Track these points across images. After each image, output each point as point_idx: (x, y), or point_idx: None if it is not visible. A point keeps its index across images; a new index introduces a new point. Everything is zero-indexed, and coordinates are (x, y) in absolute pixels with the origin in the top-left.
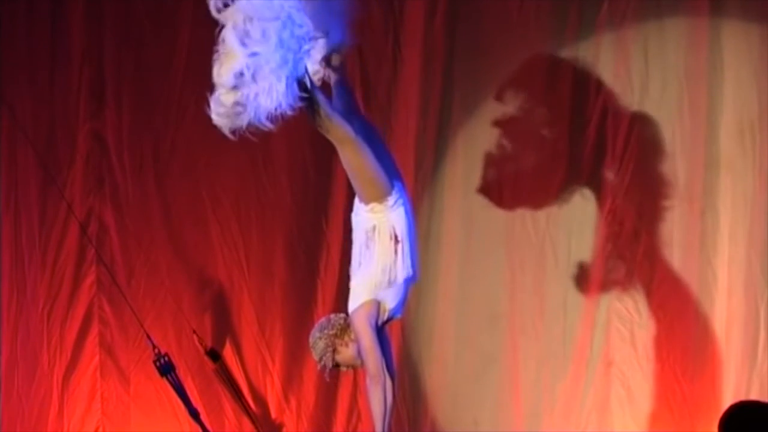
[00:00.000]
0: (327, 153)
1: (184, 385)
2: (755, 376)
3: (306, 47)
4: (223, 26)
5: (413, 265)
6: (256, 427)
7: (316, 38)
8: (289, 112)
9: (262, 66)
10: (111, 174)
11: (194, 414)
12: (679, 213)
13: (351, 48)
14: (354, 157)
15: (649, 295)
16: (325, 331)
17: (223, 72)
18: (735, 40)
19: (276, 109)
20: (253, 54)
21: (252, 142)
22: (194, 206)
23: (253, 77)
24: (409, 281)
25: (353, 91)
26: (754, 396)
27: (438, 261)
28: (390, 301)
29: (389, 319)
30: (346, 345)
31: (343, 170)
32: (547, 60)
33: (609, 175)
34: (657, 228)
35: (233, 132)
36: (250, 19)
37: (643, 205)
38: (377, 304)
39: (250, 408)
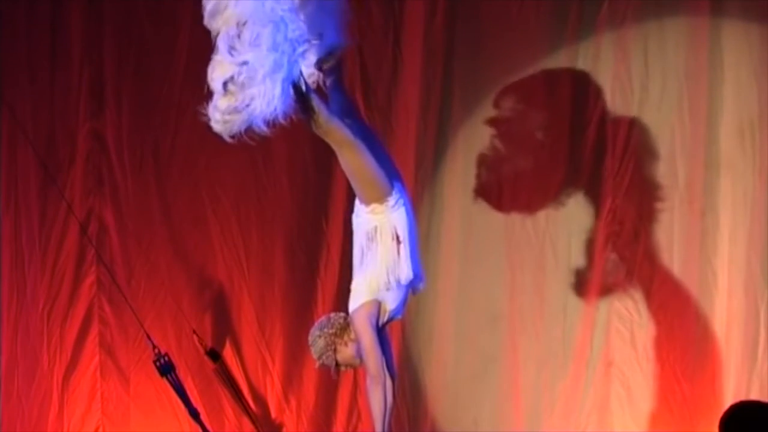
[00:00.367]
0: (327, 153)
1: (184, 385)
2: (755, 376)
3: (300, 50)
4: (216, 35)
5: (415, 267)
6: (256, 427)
7: (310, 41)
8: (287, 116)
9: (256, 70)
10: (111, 174)
11: (194, 414)
12: (679, 213)
13: (347, 49)
14: (353, 159)
15: (649, 295)
16: (325, 330)
17: (215, 78)
18: (735, 40)
19: (272, 112)
20: (244, 63)
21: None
22: (194, 206)
23: (247, 82)
24: (412, 283)
25: (349, 93)
26: (754, 396)
27: (438, 261)
28: (391, 302)
29: (389, 320)
30: (346, 344)
31: (343, 170)
32: (548, 60)
33: (609, 175)
34: (657, 228)
35: (232, 137)
36: (243, 24)
37: (643, 205)
38: (378, 305)
39: (250, 408)
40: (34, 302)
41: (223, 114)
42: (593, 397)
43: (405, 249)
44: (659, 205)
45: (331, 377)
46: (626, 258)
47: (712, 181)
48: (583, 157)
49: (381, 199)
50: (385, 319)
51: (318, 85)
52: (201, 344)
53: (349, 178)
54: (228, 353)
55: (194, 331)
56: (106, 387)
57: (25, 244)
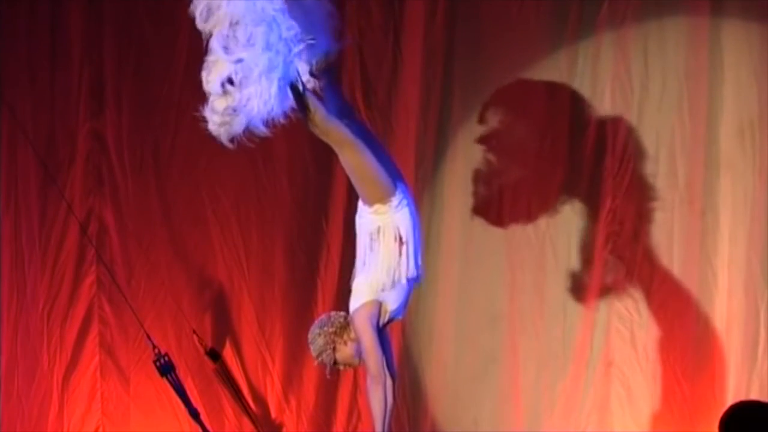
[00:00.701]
0: (327, 153)
1: (184, 385)
2: (755, 376)
3: (296, 50)
4: (209, 37)
5: (417, 266)
6: (256, 427)
7: (305, 41)
8: (284, 117)
9: (251, 69)
10: (111, 174)
11: (194, 414)
12: (679, 213)
13: (336, 51)
14: (354, 159)
15: (649, 295)
16: (325, 329)
17: (211, 79)
18: (735, 40)
19: (270, 113)
20: (239, 60)
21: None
22: (194, 206)
23: (243, 82)
24: (413, 282)
25: (349, 93)
26: (754, 396)
27: (438, 261)
28: (392, 302)
29: (390, 321)
30: (345, 344)
31: (344, 170)
32: (548, 60)
33: (609, 175)
34: (657, 228)
35: (231, 140)
36: (236, 24)
37: (643, 205)
38: (379, 305)
39: (250, 408)
40: (34, 302)
41: (221, 115)
42: (593, 397)
43: (408, 250)
44: (659, 205)
45: (327, 376)
46: (626, 258)
47: (712, 181)
48: (583, 157)
49: (384, 199)
50: (386, 319)
51: (313, 86)
52: (201, 344)
53: (351, 179)
54: (228, 353)
55: (194, 331)
56: (106, 387)
57: (25, 244)
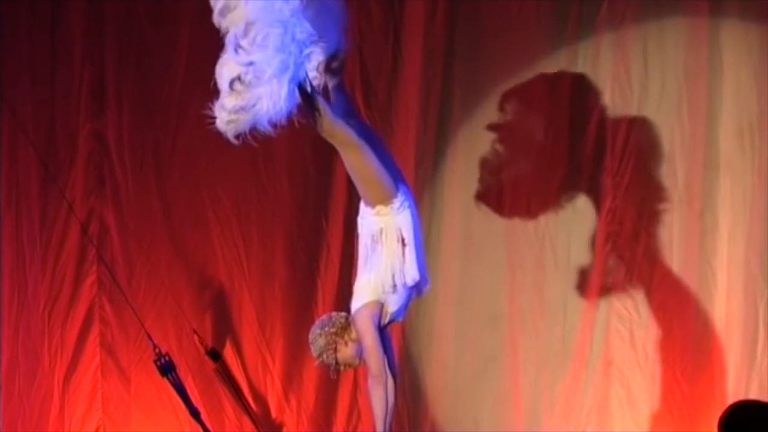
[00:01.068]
0: (327, 153)
1: (185, 384)
2: (755, 375)
3: (306, 51)
4: (225, 33)
5: (420, 269)
6: (257, 427)
7: (316, 42)
8: (292, 117)
9: (263, 70)
10: (112, 174)
11: (195, 413)
12: (678, 213)
13: (348, 51)
14: (357, 160)
15: (649, 295)
16: (326, 329)
17: (222, 76)
18: (734, 40)
19: (278, 113)
20: (250, 63)
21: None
22: (195, 206)
23: (254, 81)
24: (416, 286)
25: (351, 96)
26: (753, 395)
27: (438, 261)
28: (393, 304)
29: (390, 322)
30: (346, 344)
31: (344, 170)
32: (547, 60)
33: (608, 174)
34: (656, 228)
35: (237, 137)
36: (252, 24)
37: (643, 205)
38: (380, 306)
39: (251, 407)
40: (35, 302)
41: (229, 113)
42: (593, 397)
43: (410, 251)
44: (659, 205)
45: (331, 377)
46: (626, 258)
47: (712, 181)
48: (583, 157)
49: (386, 201)
50: (387, 320)
51: (321, 88)
52: (201, 344)
53: (354, 180)
54: (228, 353)
55: (195, 331)
56: (106, 386)
57: (26, 244)
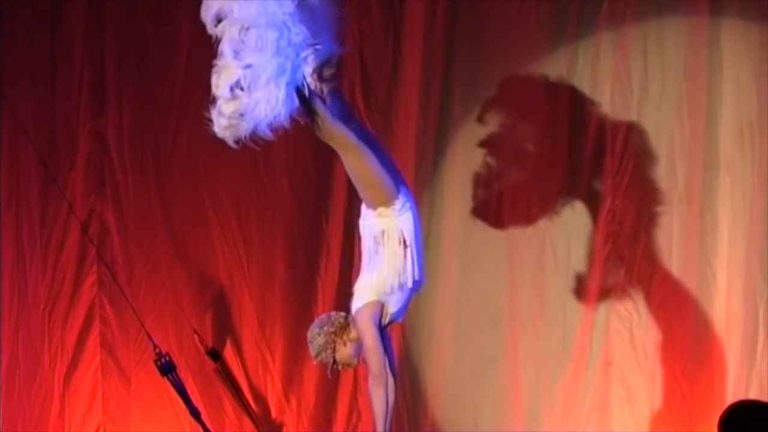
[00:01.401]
0: (327, 153)
1: (185, 384)
2: (754, 375)
3: (303, 54)
4: (220, 40)
5: (420, 271)
6: (257, 427)
7: (312, 45)
8: (290, 121)
9: (260, 74)
10: (112, 174)
11: (195, 413)
12: (678, 213)
13: (342, 56)
14: (358, 163)
15: (649, 295)
16: (325, 328)
17: (221, 84)
18: (734, 40)
19: (276, 117)
20: (248, 66)
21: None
22: (195, 206)
23: (252, 86)
24: (415, 287)
25: (349, 93)
26: (753, 395)
27: (438, 261)
28: (393, 304)
29: (390, 322)
30: (345, 344)
31: (344, 170)
32: (547, 60)
33: (608, 175)
34: (656, 228)
35: (236, 142)
36: (246, 29)
37: (643, 205)
38: (381, 306)
39: (251, 407)
40: (36, 302)
41: (229, 119)
42: (593, 397)
43: (411, 252)
44: (658, 206)
45: (327, 376)
46: (625, 258)
47: (712, 181)
48: (583, 157)
49: (387, 202)
50: (387, 320)
51: (318, 92)
52: (202, 344)
53: (355, 183)
54: (228, 353)
55: (195, 331)
56: (107, 386)
57: (26, 244)
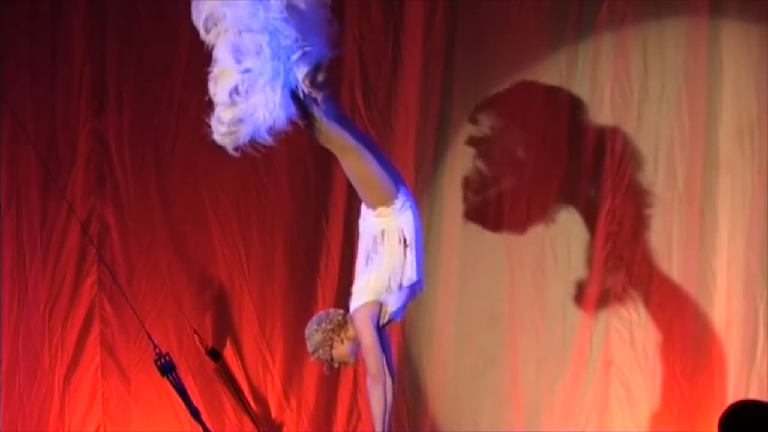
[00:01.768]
0: (327, 153)
1: (185, 384)
2: (754, 375)
3: (294, 57)
4: (213, 47)
5: (419, 270)
6: (257, 427)
7: (302, 48)
8: (289, 124)
9: (257, 79)
10: (112, 174)
11: (195, 413)
12: (678, 213)
13: (334, 58)
14: (356, 164)
15: (649, 295)
16: (323, 325)
17: (219, 90)
18: (734, 41)
19: (275, 120)
20: (247, 70)
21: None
22: (195, 206)
23: (249, 91)
24: (414, 288)
25: (348, 93)
26: (753, 395)
27: (438, 261)
28: (392, 304)
29: (388, 322)
30: (342, 342)
31: (343, 170)
32: (547, 60)
33: (608, 175)
34: (656, 228)
35: (236, 149)
36: (240, 33)
37: (643, 205)
38: (379, 306)
39: (251, 407)
40: (36, 302)
41: (228, 126)
42: (593, 397)
43: (411, 252)
44: (658, 206)
45: (331, 376)
46: (625, 258)
47: (711, 181)
48: (583, 158)
49: (387, 202)
50: (385, 320)
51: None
52: (202, 344)
53: (354, 184)
54: (228, 353)
55: (195, 331)
56: (107, 386)
57: (26, 244)
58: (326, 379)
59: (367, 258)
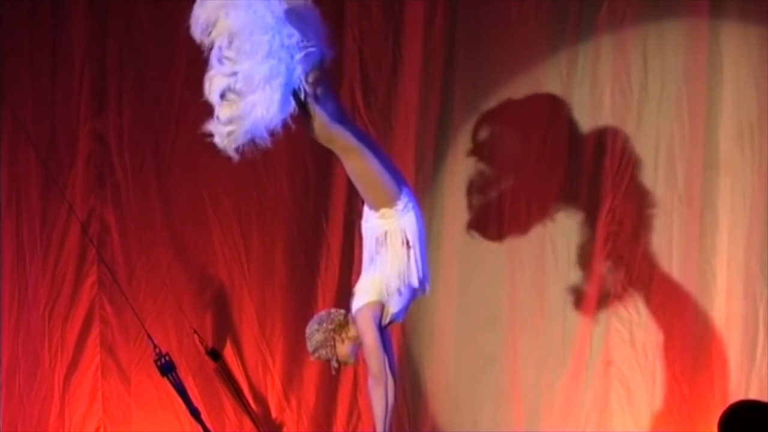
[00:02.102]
0: (327, 153)
1: (185, 384)
2: (754, 375)
3: (297, 57)
4: (211, 49)
5: (423, 273)
6: (257, 427)
7: (306, 47)
8: (285, 124)
9: (252, 78)
10: (112, 174)
11: (195, 413)
12: (678, 213)
13: (331, 59)
14: (359, 165)
15: (649, 295)
16: (324, 325)
17: (212, 90)
18: (734, 41)
19: (273, 119)
20: (233, 74)
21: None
22: (195, 206)
23: (245, 90)
24: (418, 288)
25: (348, 94)
26: (753, 395)
27: (438, 261)
28: (394, 305)
29: (390, 323)
30: (343, 342)
31: (344, 170)
32: (547, 61)
33: (608, 175)
34: (656, 228)
35: (237, 150)
36: (236, 34)
37: (643, 205)
38: (381, 306)
39: (251, 407)
40: (36, 302)
41: (225, 125)
42: (593, 397)
43: (414, 253)
44: (658, 206)
45: (331, 376)
46: (625, 258)
47: (711, 182)
48: (583, 158)
49: (390, 203)
50: (387, 321)
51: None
52: (202, 344)
53: (356, 185)
54: (228, 353)
55: (195, 331)
56: (107, 386)
57: (26, 244)
58: (326, 379)
59: (371, 261)
